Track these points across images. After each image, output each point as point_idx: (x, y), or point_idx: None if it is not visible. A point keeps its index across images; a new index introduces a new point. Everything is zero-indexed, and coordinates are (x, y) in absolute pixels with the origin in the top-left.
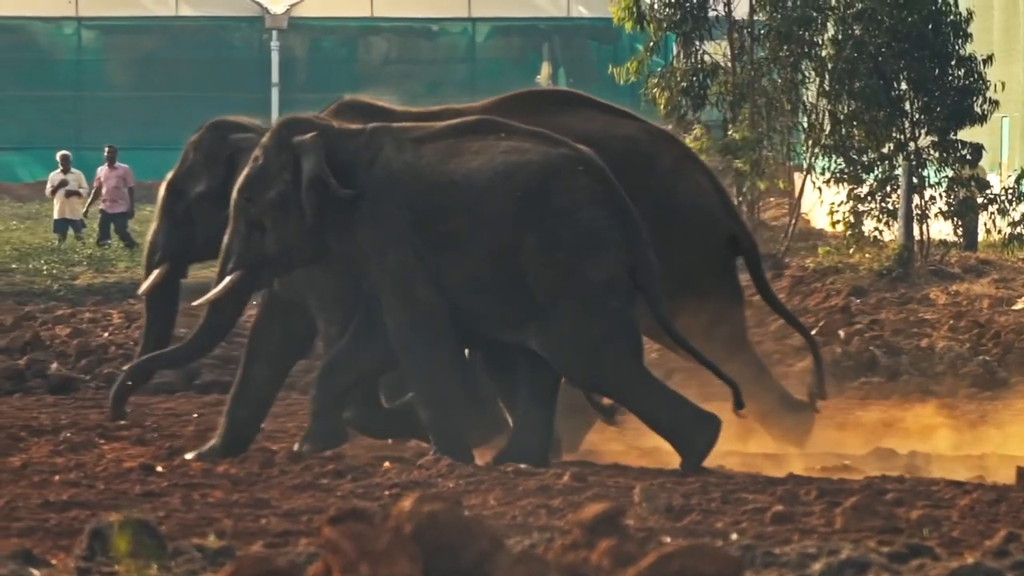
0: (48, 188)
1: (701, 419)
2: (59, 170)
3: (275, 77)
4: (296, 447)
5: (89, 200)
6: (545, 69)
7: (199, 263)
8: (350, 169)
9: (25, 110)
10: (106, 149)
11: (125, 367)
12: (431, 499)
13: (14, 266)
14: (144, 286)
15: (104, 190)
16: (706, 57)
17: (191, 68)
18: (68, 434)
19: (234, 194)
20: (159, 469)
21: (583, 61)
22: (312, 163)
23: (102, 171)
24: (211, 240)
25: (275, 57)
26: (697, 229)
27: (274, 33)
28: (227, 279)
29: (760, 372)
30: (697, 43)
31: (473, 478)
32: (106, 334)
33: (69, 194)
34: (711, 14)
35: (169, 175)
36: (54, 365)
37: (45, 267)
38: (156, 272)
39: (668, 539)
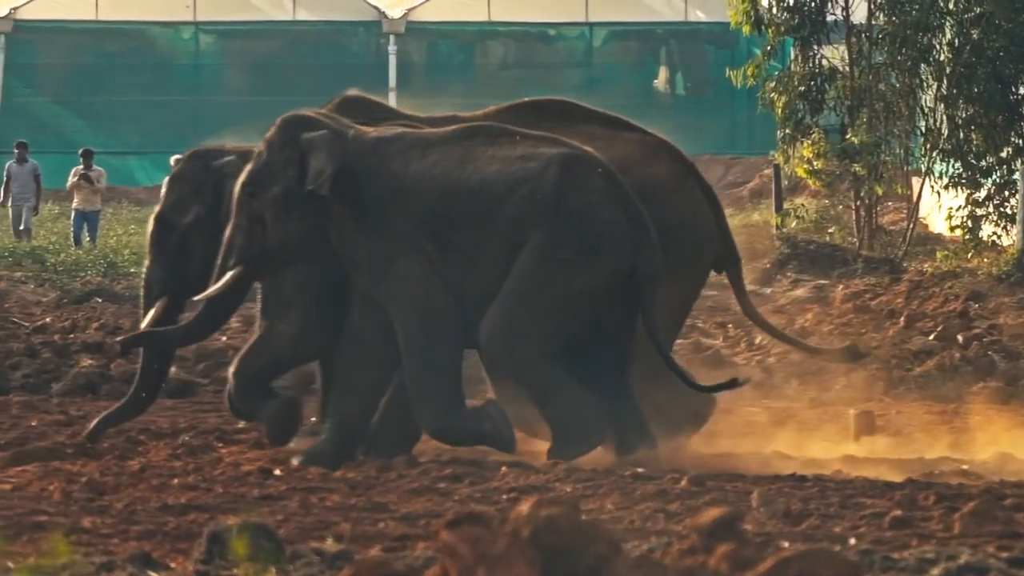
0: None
1: (596, 420)
2: None
3: (392, 82)
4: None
5: None
6: (662, 74)
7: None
8: (354, 172)
9: (143, 114)
10: None
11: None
12: (549, 503)
13: (132, 270)
14: (144, 322)
15: None
16: (824, 61)
17: (308, 73)
18: (187, 437)
19: (236, 188)
20: (277, 472)
21: (700, 66)
22: (319, 160)
23: None
24: (206, 270)
25: (392, 62)
26: (689, 247)
27: (391, 37)
28: (229, 275)
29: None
30: (815, 47)
31: (591, 482)
32: (224, 338)
33: None
34: (829, 18)
35: (156, 210)
36: (172, 369)
37: None
38: (155, 308)
39: (786, 544)
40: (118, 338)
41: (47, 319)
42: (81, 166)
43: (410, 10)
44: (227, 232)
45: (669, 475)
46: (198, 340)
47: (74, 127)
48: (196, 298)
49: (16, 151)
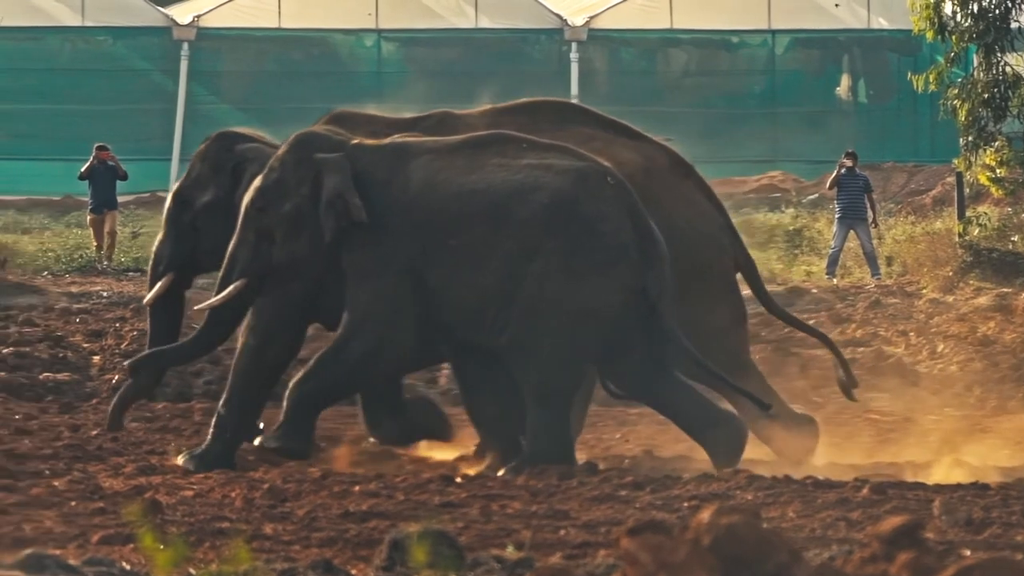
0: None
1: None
2: None
3: (574, 89)
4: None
5: None
6: (844, 81)
7: (204, 273)
8: (365, 185)
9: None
10: None
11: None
12: (729, 511)
13: None
14: (149, 296)
15: None
16: (1008, 68)
17: (489, 80)
18: (367, 443)
19: (245, 203)
20: (458, 480)
21: (882, 73)
22: (336, 182)
23: None
24: (216, 250)
25: (574, 69)
26: (694, 247)
27: (573, 45)
28: (231, 287)
29: (762, 386)
30: (998, 54)
31: (772, 490)
32: None
33: None
34: (1013, 25)
35: (175, 186)
36: None
37: None
38: (161, 282)
39: (968, 552)
40: (126, 361)
41: None
42: None
43: (592, 17)
44: (231, 245)
45: (850, 483)
46: (204, 354)
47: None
48: (197, 308)
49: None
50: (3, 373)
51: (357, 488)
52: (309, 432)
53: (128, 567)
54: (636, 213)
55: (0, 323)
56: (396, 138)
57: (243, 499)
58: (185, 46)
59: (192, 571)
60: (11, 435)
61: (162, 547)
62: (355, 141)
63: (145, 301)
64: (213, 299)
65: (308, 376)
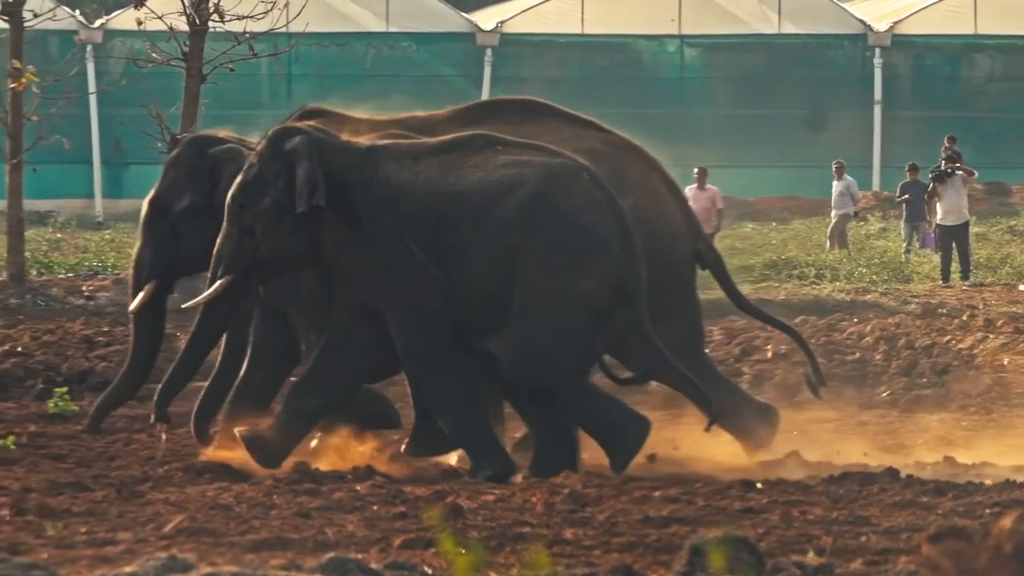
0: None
1: (634, 420)
2: None
3: (877, 95)
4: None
5: None
6: None
7: (186, 277)
8: (344, 184)
9: (627, 128)
10: (695, 170)
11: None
12: None
13: None
14: (133, 304)
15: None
16: None
17: (792, 86)
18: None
19: (227, 200)
20: (759, 485)
21: None
22: (305, 168)
23: (691, 191)
24: (197, 255)
25: (877, 75)
26: (660, 242)
27: (877, 51)
28: (217, 283)
29: (717, 377)
30: None
31: None
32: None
33: None
34: None
35: (150, 193)
36: (653, 383)
37: None
38: (145, 290)
39: None
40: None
41: None
42: None
43: (896, 23)
44: (217, 242)
45: None
46: (202, 358)
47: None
48: (184, 306)
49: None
50: None
51: (657, 493)
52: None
53: (429, 571)
54: (614, 208)
55: None
56: (373, 139)
57: (544, 504)
58: (488, 52)
59: (492, 575)
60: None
61: (462, 551)
62: (335, 140)
63: (130, 309)
64: (200, 296)
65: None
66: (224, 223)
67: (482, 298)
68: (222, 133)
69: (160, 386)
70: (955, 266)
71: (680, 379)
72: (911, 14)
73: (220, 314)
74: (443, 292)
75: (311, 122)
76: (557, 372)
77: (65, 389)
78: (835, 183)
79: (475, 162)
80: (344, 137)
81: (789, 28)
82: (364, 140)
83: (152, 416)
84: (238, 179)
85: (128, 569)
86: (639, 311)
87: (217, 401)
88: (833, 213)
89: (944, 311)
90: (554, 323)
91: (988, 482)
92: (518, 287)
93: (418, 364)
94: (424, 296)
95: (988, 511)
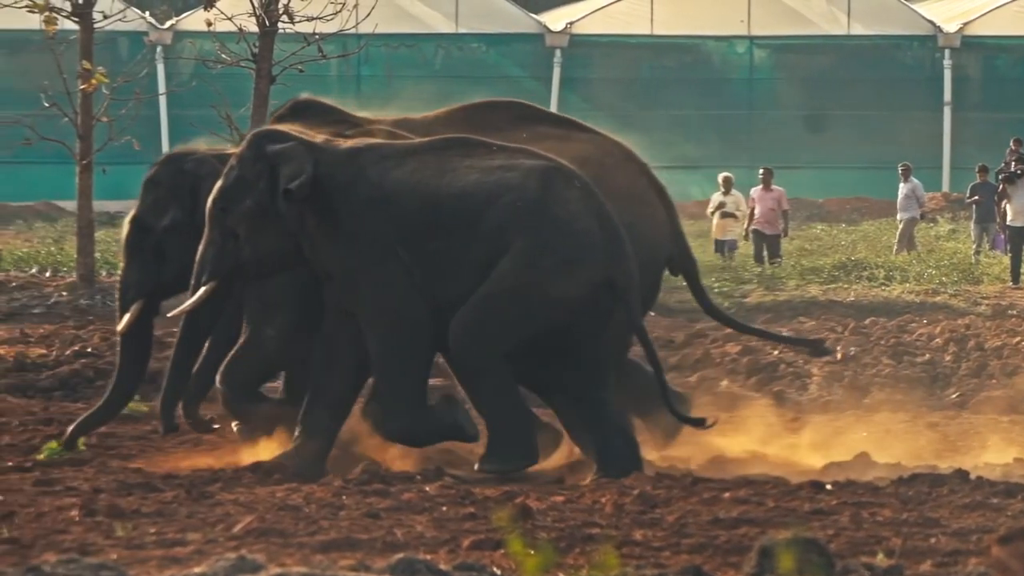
0: (709, 208)
1: (527, 447)
2: (720, 191)
3: (947, 96)
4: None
5: (744, 222)
6: None
7: (171, 297)
8: (330, 184)
9: (696, 129)
10: (761, 171)
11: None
12: None
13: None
14: (122, 325)
15: (758, 211)
16: None
17: (862, 87)
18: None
19: (208, 204)
20: (828, 487)
21: None
22: (290, 170)
23: (756, 192)
24: (184, 273)
25: (947, 76)
26: (643, 245)
27: (947, 52)
28: (202, 289)
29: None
30: None
31: None
32: (776, 352)
33: (725, 215)
34: None
35: (131, 213)
36: (724, 382)
37: (716, 285)
38: (132, 310)
39: None
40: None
41: None
42: None
43: (966, 24)
44: (200, 247)
45: None
46: (192, 363)
47: (626, 141)
48: (171, 314)
49: (761, 176)
50: None
51: (727, 495)
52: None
53: (498, 572)
54: (602, 213)
55: None
56: (360, 140)
57: (613, 505)
58: (558, 53)
59: None
60: (381, 442)
61: (531, 552)
62: (320, 140)
63: (119, 330)
64: (186, 304)
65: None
66: (206, 229)
67: (465, 299)
68: (196, 148)
69: (160, 399)
70: None
71: (658, 379)
72: (981, 15)
73: (206, 319)
74: (426, 297)
75: (292, 124)
76: (491, 357)
77: None
78: (901, 185)
79: (467, 164)
80: (327, 137)
81: (858, 29)
82: (351, 141)
83: (161, 428)
84: (219, 183)
85: (197, 570)
86: (632, 310)
87: (202, 382)
88: (899, 216)
89: (1014, 312)
90: (509, 312)
91: None
92: (491, 278)
93: (386, 368)
94: (403, 300)
95: None
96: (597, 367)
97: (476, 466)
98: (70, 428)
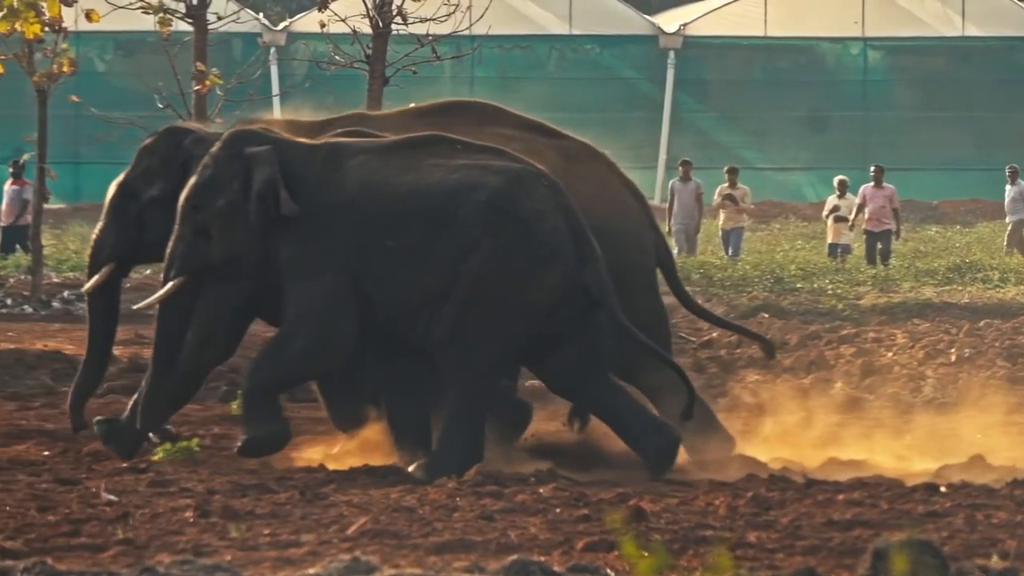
0: (824, 211)
1: (474, 458)
2: (835, 194)
3: None
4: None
5: (852, 222)
6: None
7: (143, 265)
8: (301, 184)
9: (810, 131)
10: (872, 169)
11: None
12: None
13: (799, 285)
14: (88, 284)
15: (868, 209)
16: None
17: (977, 88)
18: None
19: (181, 200)
20: (943, 489)
21: None
22: (265, 174)
23: (867, 189)
24: (161, 243)
25: None
26: (620, 244)
27: None
28: (169, 284)
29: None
30: None
31: None
32: (890, 354)
33: (838, 219)
34: None
35: (119, 176)
36: (838, 384)
37: (830, 286)
38: (102, 271)
39: None
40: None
41: (713, 334)
42: (726, 184)
43: None
44: (170, 243)
45: None
46: (172, 356)
47: (740, 143)
48: (136, 307)
49: (680, 168)
50: None
51: (841, 497)
52: (273, 417)
53: (612, 574)
54: (570, 214)
55: None
56: (329, 138)
57: (727, 507)
58: (671, 54)
59: None
60: (495, 444)
61: (645, 554)
62: (290, 139)
63: (84, 289)
64: (152, 297)
65: (253, 372)
66: (176, 224)
67: (434, 298)
68: (196, 126)
69: (141, 404)
70: None
71: (666, 362)
72: None
73: (173, 320)
74: (393, 295)
75: (262, 124)
76: (474, 369)
77: None
78: (1008, 188)
79: (434, 163)
80: (298, 138)
81: (972, 31)
82: (322, 139)
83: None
84: (192, 180)
85: (312, 571)
86: (612, 310)
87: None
88: (1008, 219)
89: None
90: (493, 323)
91: None
92: (464, 281)
93: (275, 366)
94: (337, 313)
95: None
96: (586, 367)
97: (411, 467)
98: (68, 407)
